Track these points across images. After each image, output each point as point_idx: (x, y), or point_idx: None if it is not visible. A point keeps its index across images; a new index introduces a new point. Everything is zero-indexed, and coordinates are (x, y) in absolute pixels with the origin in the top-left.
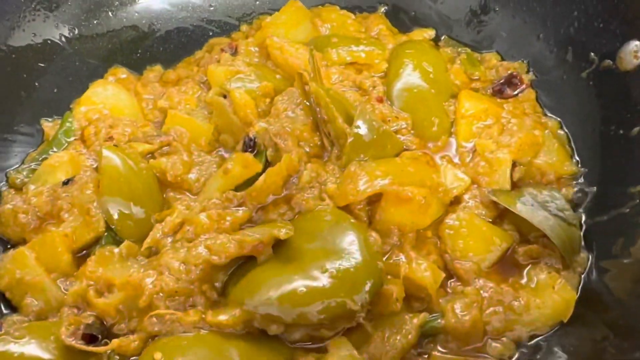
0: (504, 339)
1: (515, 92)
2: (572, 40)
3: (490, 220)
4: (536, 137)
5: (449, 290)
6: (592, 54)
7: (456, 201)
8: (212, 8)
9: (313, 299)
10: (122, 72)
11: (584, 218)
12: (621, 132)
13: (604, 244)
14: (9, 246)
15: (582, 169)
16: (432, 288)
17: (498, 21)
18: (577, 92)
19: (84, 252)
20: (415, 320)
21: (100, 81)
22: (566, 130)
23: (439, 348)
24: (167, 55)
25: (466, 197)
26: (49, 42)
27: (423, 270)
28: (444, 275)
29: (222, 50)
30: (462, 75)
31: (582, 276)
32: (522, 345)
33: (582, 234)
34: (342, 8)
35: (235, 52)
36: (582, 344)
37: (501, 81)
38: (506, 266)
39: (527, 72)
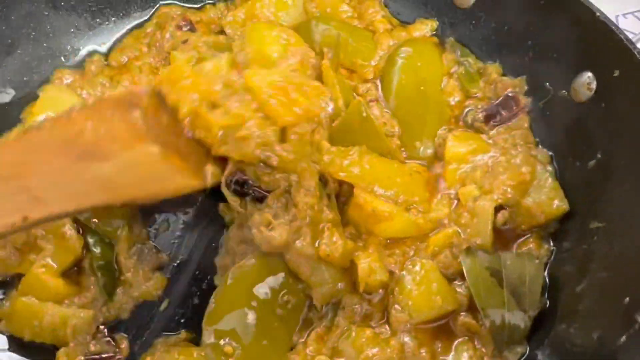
0: None
1: (509, 117)
2: (527, 69)
3: (451, 275)
4: (524, 175)
5: (373, 325)
6: (548, 84)
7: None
8: None
9: None
10: (67, 74)
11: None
12: (578, 164)
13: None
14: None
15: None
16: (362, 282)
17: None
18: (536, 121)
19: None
20: None
21: (50, 86)
22: (556, 166)
23: None
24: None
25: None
26: None
27: (368, 269)
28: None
29: (178, 27)
30: (457, 92)
31: None
32: None
33: (530, 324)
34: None
35: (192, 29)
36: None
37: (496, 103)
38: (440, 330)
39: (525, 91)
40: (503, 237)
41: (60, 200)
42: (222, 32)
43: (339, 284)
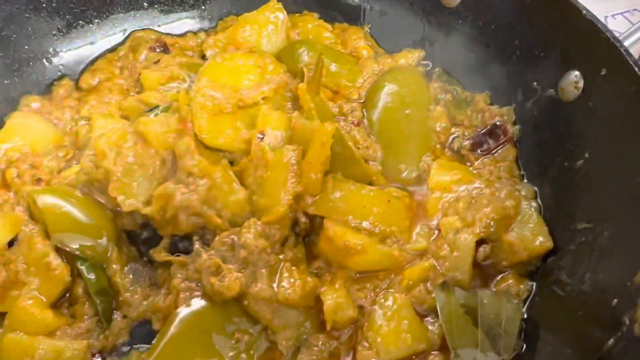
0: None
1: (496, 147)
2: (515, 69)
3: (424, 312)
4: (508, 209)
5: None
6: (535, 83)
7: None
8: None
9: None
10: (34, 100)
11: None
12: (566, 164)
13: None
14: None
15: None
16: (329, 320)
17: (441, 51)
18: (524, 121)
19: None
20: None
21: (17, 113)
22: (540, 202)
23: None
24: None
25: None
26: None
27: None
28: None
29: (151, 49)
30: (444, 119)
31: None
32: None
33: None
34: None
35: (166, 50)
36: None
37: (483, 131)
38: None
39: (514, 123)
40: (482, 273)
41: None
42: (202, 57)
43: (305, 324)
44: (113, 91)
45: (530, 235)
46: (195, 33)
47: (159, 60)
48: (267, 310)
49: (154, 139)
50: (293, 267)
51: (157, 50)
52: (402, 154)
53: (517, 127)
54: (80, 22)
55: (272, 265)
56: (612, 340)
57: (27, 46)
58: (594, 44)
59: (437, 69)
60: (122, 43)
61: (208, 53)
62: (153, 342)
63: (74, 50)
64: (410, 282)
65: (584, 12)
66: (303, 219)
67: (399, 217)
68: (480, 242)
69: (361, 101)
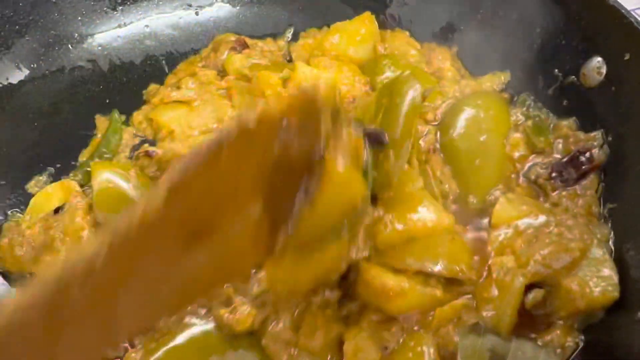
0: None
1: (577, 178)
2: (536, 57)
3: (449, 356)
4: (571, 252)
5: None
6: (556, 70)
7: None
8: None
9: None
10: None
11: None
12: None
13: None
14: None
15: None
16: None
17: (462, 40)
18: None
19: None
20: None
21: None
22: (612, 246)
23: None
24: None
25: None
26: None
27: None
28: None
29: (232, 48)
30: (522, 146)
31: None
32: None
33: None
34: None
35: (245, 47)
36: None
37: (565, 159)
38: None
39: (602, 145)
40: (531, 322)
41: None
42: (289, 60)
43: None
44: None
45: (594, 281)
46: (274, 40)
47: (241, 51)
48: (283, 352)
49: None
50: (319, 311)
51: (238, 49)
52: (472, 184)
53: (605, 150)
54: (105, 8)
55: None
56: None
57: (53, 31)
58: (617, 29)
59: (521, 95)
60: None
61: (293, 54)
62: (151, 345)
63: (99, 34)
64: (441, 322)
65: None
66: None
67: (465, 253)
68: (531, 287)
69: (436, 123)
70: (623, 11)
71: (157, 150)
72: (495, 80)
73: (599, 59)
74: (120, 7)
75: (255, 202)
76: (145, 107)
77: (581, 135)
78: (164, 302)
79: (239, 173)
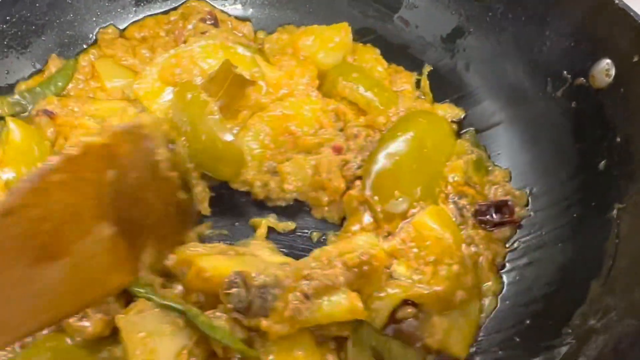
0: None
1: (497, 224)
2: (545, 59)
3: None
4: (453, 297)
5: None
6: (565, 72)
7: None
8: None
9: None
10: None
11: None
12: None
13: None
14: None
15: None
16: None
17: (471, 43)
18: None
19: None
20: None
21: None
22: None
23: None
24: None
25: None
26: None
27: None
28: None
29: (202, 19)
30: (460, 172)
31: None
32: None
33: None
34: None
35: (216, 24)
36: None
37: (492, 202)
38: None
39: (526, 205)
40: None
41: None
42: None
43: None
44: (156, 51)
45: (455, 334)
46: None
47: (206, 32)
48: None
49: None
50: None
51: (208, 22)
52: (401, 181)
53: (527, 211)
54: (119, 9)
55: None
56: None
57: (68, 31)
58: (626, 31)
59: (470, 130)
60: (175, 9)
61: (266, 46)
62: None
63: None
64: None
65: (617, 1)
66: None
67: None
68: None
69: (383, 130)
70: (632, 13)
71: (55, 112)
72: (450, 111)
73: (608, 60)
74: (134, 9)
75: (102, 225)
76: (93, 50)
77: (510, 188)
78: (22, 317)
79: (76, 198)
